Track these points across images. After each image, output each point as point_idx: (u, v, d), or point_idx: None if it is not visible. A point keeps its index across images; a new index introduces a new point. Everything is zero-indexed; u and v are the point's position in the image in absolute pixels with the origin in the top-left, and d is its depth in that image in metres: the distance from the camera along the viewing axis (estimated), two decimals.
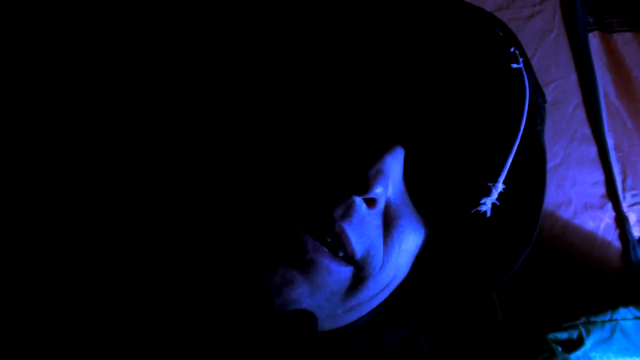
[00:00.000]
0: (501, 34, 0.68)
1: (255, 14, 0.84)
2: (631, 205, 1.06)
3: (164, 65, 0.85)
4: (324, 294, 0.65)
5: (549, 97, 1.06)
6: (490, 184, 0.64)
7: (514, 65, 0.65)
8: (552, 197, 1.08)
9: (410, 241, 0.68)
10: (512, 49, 0.66)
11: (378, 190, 0.62)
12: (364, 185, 0.62)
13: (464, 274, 0.75)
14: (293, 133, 0.69)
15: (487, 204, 0.65)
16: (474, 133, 0.67)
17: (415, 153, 0.66)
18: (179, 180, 0.78)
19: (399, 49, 0.68)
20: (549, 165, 1.07)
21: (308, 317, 0.64)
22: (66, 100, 0.83)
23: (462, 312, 0.75)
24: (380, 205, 0.65)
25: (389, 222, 0.67)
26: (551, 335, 0.90)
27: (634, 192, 1.05)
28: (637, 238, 1.06)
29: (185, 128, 0.81)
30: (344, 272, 0.65)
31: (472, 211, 0.65)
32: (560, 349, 0.88)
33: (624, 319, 0.91)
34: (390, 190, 0.65)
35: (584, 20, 1.03)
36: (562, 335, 0.90)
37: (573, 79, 1.06)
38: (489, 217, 0.66)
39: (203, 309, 0.65)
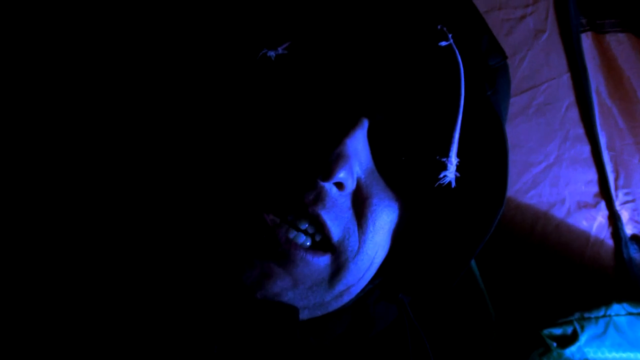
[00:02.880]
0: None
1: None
2: (624, 204, 1.07)
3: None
4: (306, 285, 0.66)
5: (541, 97, 1.07)
6: (444, 159, 0.65)
7: (443, 43, 0.65)
8: (546, 197, 1.09)
9: (384, 218, 0.70)
10: (439, 27, 0.66)
11: (341, 175, 0.64)
12: (327, 171, 0.64)
13: (443, 243, 0.77)
14: (259, 128, 0.71)
15: (448, 177, 0.66)
16: (422, 111, 0.69)
17: (378, 133, 0.69)
18: (159, 182, 0.79)
19: (350, 38, 0.71)
20: (542, 165, 1.08)
21: (289, 310, 0.65)
22: (65, 100, 0.83)
23: (445, 280, 0.75)
24: (349, 187, 0.66)
25: (361, 202, 0.68)
26: (546, 331, 0.90)
27: (626, 190, 1.06)
28: (629, 236, 1.07)
29: (162, 126, 0.82)
30: (323, 261, 0.66)
31: (436, 185, 0.66)
32: (555, 344, 0.89)
33: (617, 315, 0.92)
34: (357, 171, 0.67)
35: (576, 21, 1.04)
36: (557, 331, 0.90)
37: (566, 78, 1.07)
38: (456, 187, 0.67)
39: (189, 307, 0.66)
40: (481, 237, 0.73)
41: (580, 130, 1.07)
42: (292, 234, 0.65)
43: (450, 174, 0.66)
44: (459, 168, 0.67)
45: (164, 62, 0.84)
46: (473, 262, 1.00)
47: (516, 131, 1.07)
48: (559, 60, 1.07)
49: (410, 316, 0.77)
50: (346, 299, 0.72)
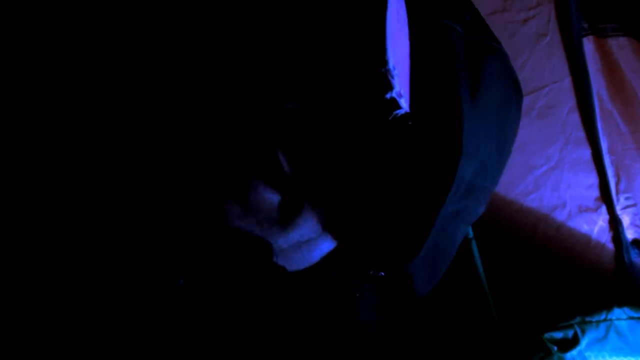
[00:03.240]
0: None
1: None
2: (624, 208, 1.07)
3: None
4: (256, 217, 0.65)
5: (542, 101, 1.08)
6: (382, 70, 0.60)
7: None
8: (547, 200, 1.09)
9: (341, 165, 0.68)
10: None
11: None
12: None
13: (406, 205, 0.72)
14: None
15: (400, 104, 0.61)
16: (353, 22, 0.65)
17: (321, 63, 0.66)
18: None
19: None
20: (544, 168, 1.09)
21: (261, 242, 0.65)
22: (65, 100, 0.83)
23: (413, 247, 0.71)
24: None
25: (318, 145, 0.67)
26: (547, 335, 0.90)
27: (627, 194, 1.06)
28: (630, 240, 1.07)
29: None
30: (275, 197, 0.66)
31: (391, 118, 0.62)
32: (555, 348, 0.89)
33: (618, 319, 0.92)
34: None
35: (578, 25, 1.04)
36: (558, 335, 0.91)
37: (567, 82, 1.07)
38: (412, 126, 0.64)
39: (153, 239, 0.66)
40: (444, 192, 0.69)
41: (581, 134, 1.07)
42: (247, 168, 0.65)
43: (399, 97, 0.61)
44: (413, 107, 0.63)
45: (157, 60, 0.85)
46: (479, 265, 1.00)
47: (518, 134, 1.07)
48: (561, 64, 1.07)
49: (389, 293, 0.74)
50: (306, 255, 0.70)
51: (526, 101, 1.06)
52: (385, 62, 0.60)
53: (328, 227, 0.70)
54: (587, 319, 0.92)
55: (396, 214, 0.71)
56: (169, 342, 0.63)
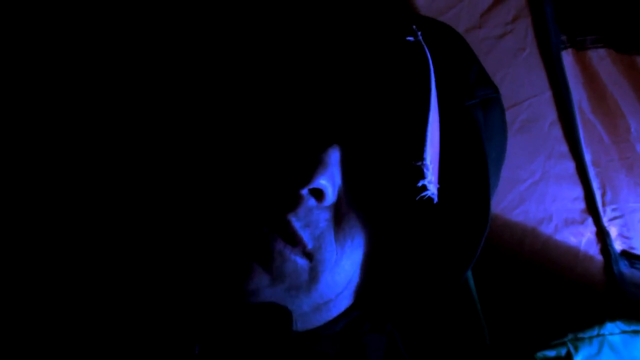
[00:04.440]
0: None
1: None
2: (612, 219, 1.07)
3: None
4: (284, 284, 0.65)
5: (524, 114, 1.07)
6: (419, 163, 0.63)
7: (410, 39, 0.64)
8: (533, 214, 1.09)
9: (364, 236, 0.69)
10: (412, 26, 0.65)
11: (322, 182, 0.63)
12: (306, 176, 0.63)
13: (428, 267, 0.76)
14: (241, 132, 0.71)
15: (429, 189, 0.64)
16: (393, 115, 0.69)
17: (356, 146, 0.68)
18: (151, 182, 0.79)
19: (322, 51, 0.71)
20: (528, 182, 1.08)
21: (282, 310, 0.64)
22: (65, 100, 0.82)
23: (433, 307, 0.75)
24: (329, 197, 0.65)
25: (340, 216, 0.67)
26: (540, 354, 0.90)
27: (613, 206, 1.06)
28: (618, 252, 1.07)
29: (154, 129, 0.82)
30: (300, 263, 0.65)
31: (417, 198, 0.64)
32: None
33: (611, 334, 0.92)
34: (338, 182, 0.66)
35: (556, 39, 1.04)
36: (551, 353, 0.90)
37: (547, 96, 1.07)
38: (438, 203, 0.66)
39: (170, 306, 0.66)
40: (467, 261, 0.72)
41: (564, 147, 1.07)
42: (272, 234, 0.64)
43: (430, 184, 0.64)
44: (440, 185, 0.66)
45: (156, 62, 0.84)
46: (472, 284, 1.00)
47: None
48: (540, 78, 1.07)
49: (401, 349, 0.76)
50: (325, 316, 0.71)
51: (508, 116, 1.06)
52: (422, 158, 0.62)
53: (351, 287, 0.72)
54: (580, 335, 0.92)
55: (419, 281, 0.76)
56: None
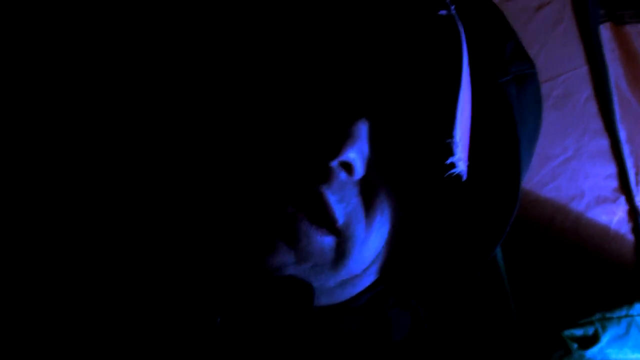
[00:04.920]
0: None
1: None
2: None
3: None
4: (309, 262, 0.65)
5: (558, 89, 1.06)
6: (448, 140, 0.62)
7: (442, 12, 0.63)
8: (565, 191, 1.07)
9: (392, 210, 0.68)
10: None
11: (351, 155, 0.62)
12: (335, 149, 0.62)
13: (456, 243, 0.75)
14: (269, 105, 0.69)
15: (457, 166, 0.63)
16: (424, 90, 0.67)
17: (385, 120, 0.67)
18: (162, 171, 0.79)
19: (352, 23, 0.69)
20: (561, 158, 1.07)
21: (303, 285, 0.64)
22: (66, 100, 0.82)
23: (459, 284, 0.75)
24: (358, 171, 0.64)
25: (369, 191, 0.66)
26: (567, 332, 0.89)
27: None
28: None
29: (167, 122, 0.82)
30: (327, 241, 0.65)
31: (446, 175, 0.63)
32: (576, 345, 0.88)
33: (639, 315, 0.91)
34: (367, 155, 0.65)
35: (595, 12, 1.02)
36: (578, 332, 0.90)
37: (584, 71, 1.05)
38: (466, 180, 0.65)
39: (191, 279, 0.66)
40: (495, 238, 0.72)
41: (599, 124, 1.05)
42: (298, 211, 0.64)
43: (459, 161, 0.63)
44: (469, 162, 0.65)
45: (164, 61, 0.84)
46: (500, 260, 1.00)
47: None
48: (577, 52, 1.05)
49: (424, 325, 0.76)
50: (351, 291, 0.71)
51: (543, 89, 1.04)
52: (452, 135, 0.61)
53: (377, 262, 0.71)
54: (608, 315, 0.91)
55: (446, 257, 0.75)
56: None
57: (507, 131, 0.69)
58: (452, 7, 0.63)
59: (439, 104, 0.65)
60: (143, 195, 0.78)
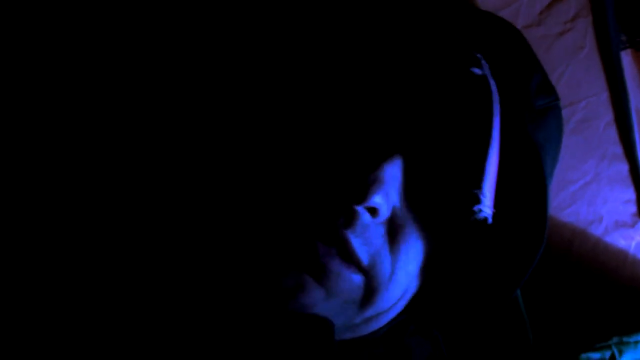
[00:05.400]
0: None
1: (259, 18, 0.85)
2: None
3: (169, 67, 0.85)
4: (338, 300, 0.66)
5: (579, 114, 1.06)
6: (476, 191, 0.64)
7: (476, 71, 0.64)
8: (583, 215, 1.07)
9: (417, 249, 0.69)
10: (477, 55, 0.66)
11: (377, 200, 0.64)
12: (362, 194, 0.63)
13: (480, 281, 0.76)
14: (298, 145, 0.71)
15: (483, 212, 0.64)
16: (455, 141, 0.69)
17: (412, 164, 0.68)
18: (191, 187, 0.79)
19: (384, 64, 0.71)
20: (580, 182, 1.07)
21: (324, 322, 0.65)
22: (68, 101, 0.83)
23: (481, 319, 0.75)
24: (383, 214, 0.66)
25: (394, 231, 0.68)
26: (583, 356, 0.89)
27: None
28: None
29: (195, 136, 0.82)
30: (356, 280, 0.66)
31: (472, 219, 0.65)
32: None
33: None
34: (393, 199, 0.67)
35: (616, 38, 1.02)
36: (595, 356, 0.90)
37: (604, 97, 1.06)
38: (492, 223, 0.66)
39: (214, 312, 0.66)
40: (519, 277, 0.73)
41: (618, 149, 1.06)
42: (329, 250, 0.65)
43: (485, 208, 0.65)
44: (495, 204, 0.66)
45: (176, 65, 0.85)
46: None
47: None
48: (598, 78, 1.06)
49: (443, 352, 0.77)
50: (374, 326, 0.73)
51: (563, 115, 1.05)
52: (480, 187, 0.64)
53: (405, 298, 0.73)
54: (625, 339, 0.91)
55: (471, 293, 0.77)
56: None
57: (535, 177, 0.71)
58: (485, 65, 0.64)
59: (469, 156, 0.67)
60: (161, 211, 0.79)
